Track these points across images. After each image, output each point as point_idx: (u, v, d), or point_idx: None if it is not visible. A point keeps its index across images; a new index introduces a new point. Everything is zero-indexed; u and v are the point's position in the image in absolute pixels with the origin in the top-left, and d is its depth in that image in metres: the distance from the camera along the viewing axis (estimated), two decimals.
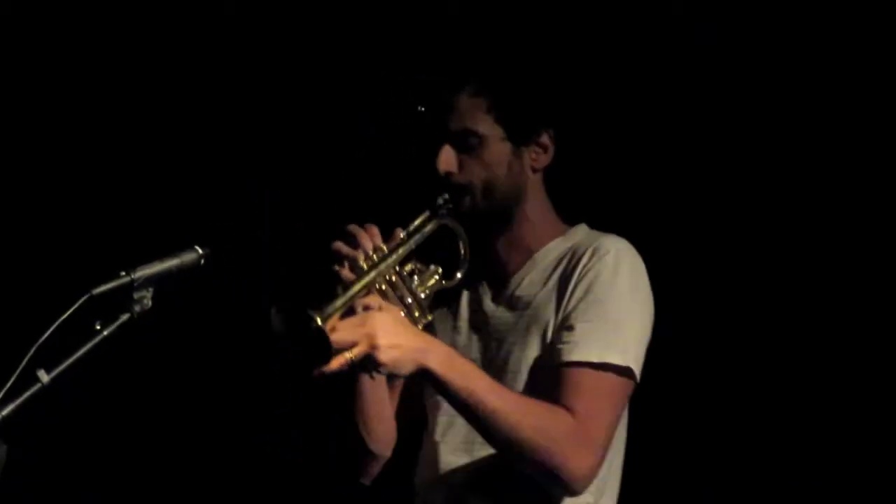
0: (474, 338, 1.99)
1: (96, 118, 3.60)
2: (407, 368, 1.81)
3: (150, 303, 1.70)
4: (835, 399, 2.96)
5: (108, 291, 1.69)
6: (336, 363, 1.76)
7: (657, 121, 3.11)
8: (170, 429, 3.50)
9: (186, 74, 3.53)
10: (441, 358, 1.82)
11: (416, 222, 1.96)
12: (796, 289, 3.04)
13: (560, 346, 1.89)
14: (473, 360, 1.93)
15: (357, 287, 1.84)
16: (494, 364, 1.91)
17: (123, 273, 1.70)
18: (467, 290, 2.08)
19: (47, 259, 3.58)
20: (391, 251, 1.90)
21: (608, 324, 1.88)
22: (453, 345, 1.92)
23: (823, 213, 3.03)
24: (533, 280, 2.00)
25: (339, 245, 1.89)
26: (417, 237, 1.94)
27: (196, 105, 3.52)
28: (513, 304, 1.99)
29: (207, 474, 3.48)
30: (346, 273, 1.85)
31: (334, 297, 1.81)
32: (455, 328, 2.03)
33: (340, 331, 1.76)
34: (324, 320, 1.73)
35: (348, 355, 1.77)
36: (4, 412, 1.61)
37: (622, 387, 1.87)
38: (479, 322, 2.02)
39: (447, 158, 1.97)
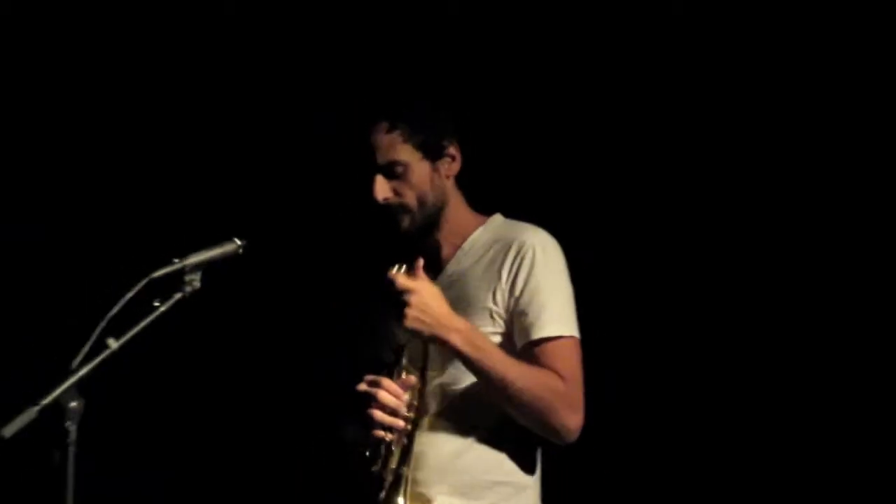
0: None
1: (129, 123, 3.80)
2: (425, 335, 2.22)
3: (198, 284, 2.08)
4: (831, 398, 3.08)
5: (165, 275, 2.05)
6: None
7: (558, 118, 3.30)
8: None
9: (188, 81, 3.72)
10: (462, 335, 2.21)
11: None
12: (746, 281, 3.18)
13: (523, 328, 2.29)
14: None
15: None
16: None
17: (176, 260, 2.07)
18: None
19: (107, 251, 3.79)
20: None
21: (553, 304, 2.28)
22: None
23: (773, 200, 3.18)
24: (464, 265, 2.38)
25: (381, 416, 2.23)
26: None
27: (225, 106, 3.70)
28: (450, 285, 2.36)
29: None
30: (398, 424, 2.23)
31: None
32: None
33: (403, 280, 2.19)
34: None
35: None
36: (82, 373, 1.97)
37: (580, 352, 2.30)
38: None
39: (382, 188, 2.35)
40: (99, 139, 3.86)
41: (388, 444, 2.21)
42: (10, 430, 1.91)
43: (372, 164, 2.36)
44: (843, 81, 3.08)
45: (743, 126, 3.19)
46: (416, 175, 2.36)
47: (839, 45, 3.09)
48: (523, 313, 2.28)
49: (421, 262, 2.27)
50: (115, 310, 2.00)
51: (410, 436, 2.23)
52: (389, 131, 2.35)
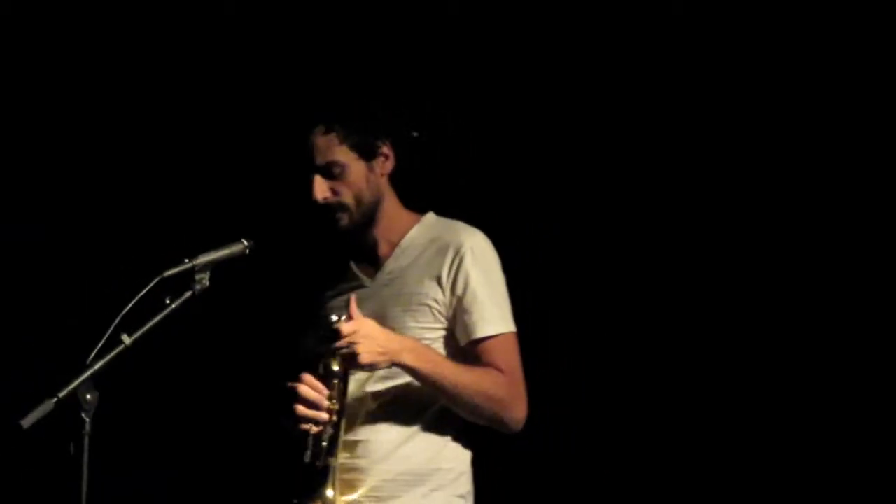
0: (363, 313, 2.38)
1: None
2: (383, 365, 2.35)
3: (207, 283, 2.18)
4: (830, 398, 3.06)
5: (176, 274, 2.15)
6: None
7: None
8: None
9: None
10: (414, 354, 2.34)
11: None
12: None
13: (466, 327, 2.42)
14: None
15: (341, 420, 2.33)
16: None
17: (187, 260, 2.18)
18: (347, 280, 2.57)
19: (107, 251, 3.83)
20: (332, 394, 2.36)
21: (493, 304, 2.42)
22: None
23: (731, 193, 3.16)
24: (403, 263, 2.49)
25: (303, 410, 2.33)
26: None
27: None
28: (389, 282, 2.48)
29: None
30: (320, 417, 2.33)
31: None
32: (345, 309, 2.44)
33: (345, 327, 2.29)
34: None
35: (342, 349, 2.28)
36: (97, 366, 2.07)
37: (517, 344, 2.45)
38: (364, 302, 2.45)
39: (321, 187, 2.45)
40: (98, 140, 3.90)
41: (316, 437, 2.31)
42: (28, 422, 2.00)
43: (310, 165, 2.46)
44: (843, 81, 3.10)
45: (738, 125, 3.21)
46: (352, 174, 2.46)
47: (839, 45, 3.10)
48: (465, 312, 2.40)
49: (354, 299, 2.36)
50: (128, 307, 2.10)
51: (336, 427, 2.32)
52: (326, 133, 2.46)
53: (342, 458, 2.38)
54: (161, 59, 3.79)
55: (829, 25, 3.10)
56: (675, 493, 3.20)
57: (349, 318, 2.32)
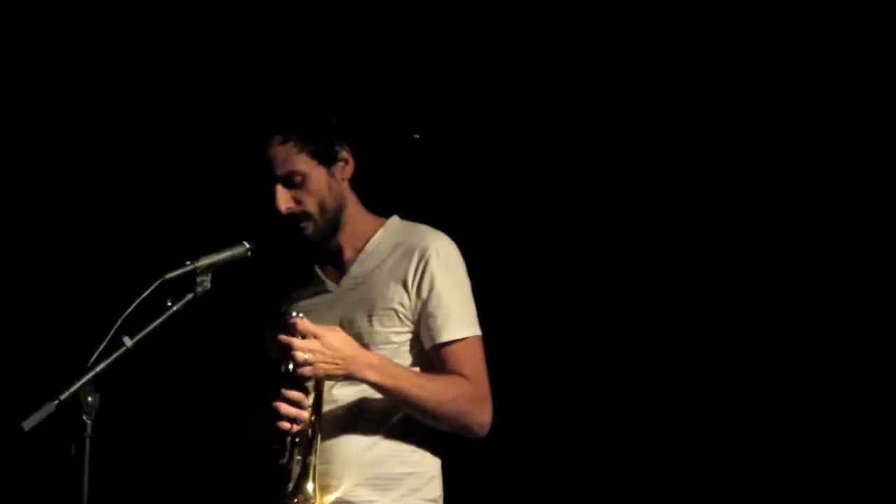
0: (329, 320, 2.43)
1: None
2: (341, 377, 2.35)
3: (209, 285, 2.18)
4: (829, 397, 3.06)
5: (177, 277, 2.16)
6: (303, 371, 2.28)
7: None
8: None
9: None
10: (376, 369, 2.34)
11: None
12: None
13: (430, 331, 2.42)
14: None
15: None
16: (349, 337, 2.38)
17: (188, 262, 2.18)
18: (312, 285, 2.56)
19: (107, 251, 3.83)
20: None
21: (458, 307, 2.42)
22: None
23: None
24: (368, 267, 2.49)
25: (285, 425, 2.32)
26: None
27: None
28: (355, 287, 2.48)
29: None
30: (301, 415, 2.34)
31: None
32: (311, 314, 2.45)
33: (299, 344, 2.28)
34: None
35: (304, 363, 2.28)
36: (98, 369, 2.07)
37: (482, 348, 2.45)
38: (330, 307, 2.49)
39: (283, 198, 2.44)
40: (98, 140, 3.89)
41: (294, 436, 2.32)
42: (29, 424, 2.00)
43: (271, 176, 2.45)
44: (844, 81, 3.10)
45: (738, 125, 3.21)
46: (314, 182, 2.46)
47: (839, 45, 3.10)
48: (430, 316, 2.41)
49: (301, 321, 2.33)
50: (129, 309, 2.10)
51: (314, 426, 2.33)
52: (283, 143, 2.45)
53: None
54: (162, 59, 3.79)
55: (829, 25, 3.11)
56: (658, 495, 3.21)
57: (303, 334, 2.30)
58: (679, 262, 3.26)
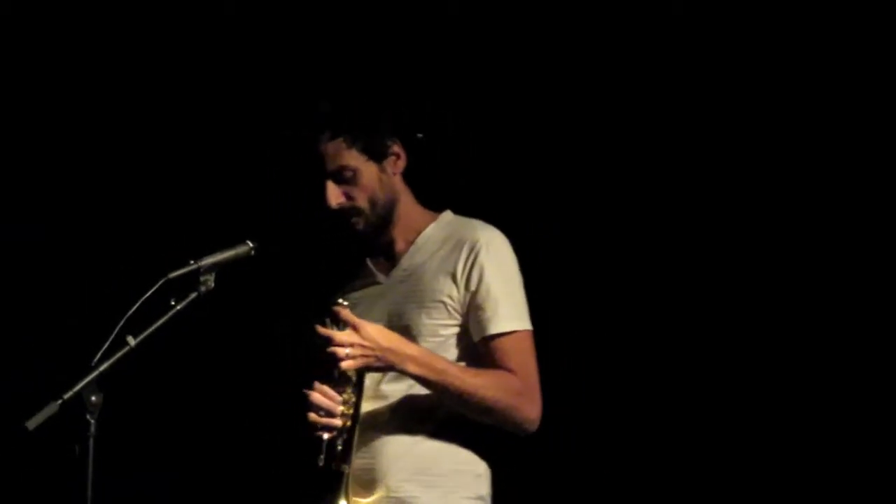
0: (378, 312, 2.43)
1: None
2: (381, 369, 2.33)
3: (213, 284, 2.17)
4: (830, 397, 3.07)
5: (181, 276, 2.15)
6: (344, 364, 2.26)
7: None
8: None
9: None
10: (417, 362, 2.32)
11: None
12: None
13: (479, 324, 2.39)
14: None
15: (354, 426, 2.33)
16: (398, 329, 2.38)
17: (192, 261, 2.17)
18: (363, 277, 2.57)
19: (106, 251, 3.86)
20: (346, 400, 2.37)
21: (507, 300, 2.39)
22: (362, 319, 2.38)
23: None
24: (418, 260, 2.48)
25: (315, 417, 2.32)
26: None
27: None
28: (404, 279, 2.47)
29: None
30: (333, 423, 2.33)
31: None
32: (360, 305, 2.48)
33: (339, 336, 2.27)
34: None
35: (345, 356, 2.26)
36: (102, 368, 2.06)
37: (532, 343, 2.42)
38: (379, 298, 2.49)
39: (334, 193, 2.45)
40: (99, 140, 3.90)
41: (330, 442, 2.30)
42: (33, 423, 1.99)
43: (322, 172, 2.46)
44: (844, 81, 3.11)
45: (738, 125, 3.22)
46: (364, 177, 2.46)
47: (839, 45, 3.11)
48: (479, 308, 2.38)
49: (346, 311, 2.32)
50: (133, 308, 2.10)
51: (350, 432, 2.32)
52: (333, 139, 2.45)
53: (359, 458, 2.37)
54: (161, 59, 3.80)
55: (830, 25, 3.11)
56: (687, 493, 3.21)
57: (346, 324, 2.29)
58: (679, 263, 3.26)
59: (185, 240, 3.49)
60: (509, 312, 2.38)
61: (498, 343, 2.37)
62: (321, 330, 2.26)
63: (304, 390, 2.30)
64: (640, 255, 3.28)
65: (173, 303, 2.14)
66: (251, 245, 2.25)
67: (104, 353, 2.07)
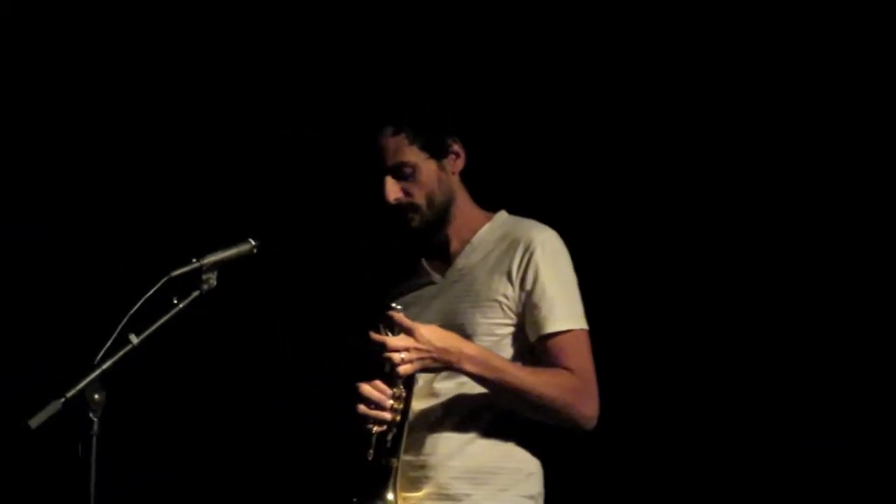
0: (433, 311, 2.45)
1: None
2: (439, 369, 2.34)
3: (215, 283, 2.17)
4: (830, 397, 3.06)
5: (183, 274, 2.15)
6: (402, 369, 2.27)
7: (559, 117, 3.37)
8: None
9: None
10: (474, 361, 2.32)
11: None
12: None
13: (535, 323, 2.39)
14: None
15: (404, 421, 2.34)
16: (453, 329, 2.38)
17: (194, 260, 2.17)
18: (418, 277, 2.57)
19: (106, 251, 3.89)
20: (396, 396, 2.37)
21: (563, 299, 2.40)
22: (417, 319, 2.39)
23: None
24: (473, 260, 2.48)
25: (364, 409, 2.32)
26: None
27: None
28: (459, 278, 2.48)
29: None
30: (382, 416, 2.33)
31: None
32: (415, 305, 2.49)
33: (393, 341, 2.28)
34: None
35: (399, 361, 2.27)
36: (105, 366, 2.06)
37: (589, 342, 2.42)
38: (434, 299, 2.50)
39: (393, 189, 2.46)
40: (99, 140, 3.92)
41: (380, 436, 2.31)
42: (36, 422, 1.99)
43: (381, 167, 2.46)
44: (843, 81, 3.12)
45: (738, 126, 3.24)
46: (423, 174, 2.47)
47: (839, 45, 3.12)
48: (535, 307, 2.38)
49: (401, 315, 2.32)
50: (136, 307, 2.10)
51: (400, 427, 2.32)
52: (395, 135, 2.46)
53: (409, 455, 2.37)
54: (160, 59, 3.83)
55: (830, 25, 3.12)
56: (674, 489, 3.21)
57: (401, 328, 2.29)
58: (679, 263, 3.26)
59: (184, 239, 3.54)
60: (565, 311, 2.38)
61: (554, 342, 2.37)
62: (375, 336, 2.27)
63: (356, 383, 2.30)
64: (633, 256, 3.29)
65: (175, 301, 2.14)
66: (253, 243, 2.25)
67: (107, 352, 2.07)
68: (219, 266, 2.18)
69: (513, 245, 2.44)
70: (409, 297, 2.51)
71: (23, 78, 3.89)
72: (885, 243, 3.06)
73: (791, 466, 3.09)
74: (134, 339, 2.09)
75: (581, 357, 2.37)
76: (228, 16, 3.71)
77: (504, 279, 2.41)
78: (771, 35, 3.17)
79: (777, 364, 3.13)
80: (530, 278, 2.39)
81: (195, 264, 2.16)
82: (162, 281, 2.13)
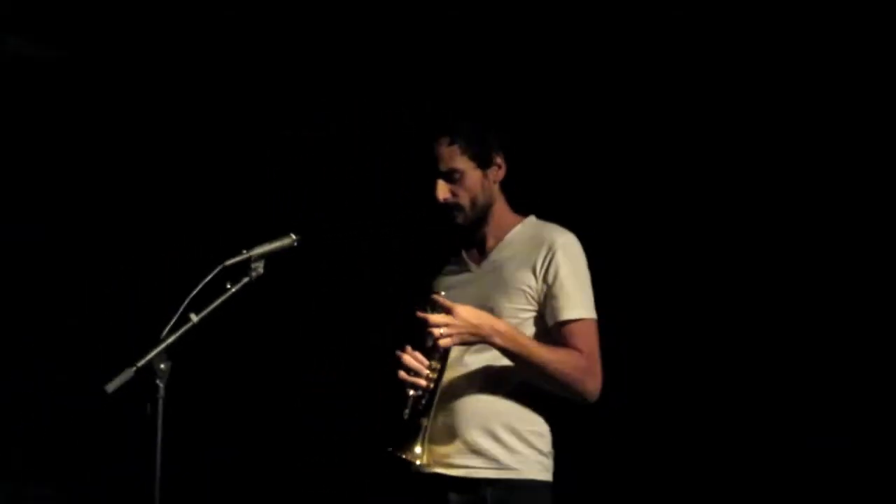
0: (469, 295, 2.85)
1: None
2: (475, 342, 2.74)
3: (262, 270, 2.53)
4: (831, 397, 3.13)
5: (235, 264, 2.50)
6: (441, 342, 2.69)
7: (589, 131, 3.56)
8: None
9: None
10: (503, 336, 2.75)
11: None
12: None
13: (553, 311, 2.81)
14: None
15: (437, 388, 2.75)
16: (484, 310, 2.79)
17: (244, 251, 2.53)
18: (458, 266, 3.02)
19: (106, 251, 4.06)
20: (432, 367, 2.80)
21: (577, 293, 2.83)
22: (455, 301, 2.76)
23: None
24: (506, 255, 2.92)
25: (404, 375, 2.74)
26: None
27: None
28: (492, 269, 2.91)
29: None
30: (418, 382, 2.74)
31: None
32: (454, 288, 2.91)
33: (435, 318, 2.70)
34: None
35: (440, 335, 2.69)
36: (169, 340, 2.40)
37: (597, 329, 2.86)
38: (470, 284, 2.93)
39: (443, 190, 2.90)
40: (98, 140, 4.07)
41: (416, 399, 2.73)
42: (112, 387, 2.32)
43: (434, 171, 2.90)
44: (843, 81, 3.19)
45: (738, 126, 3.32)
46: (470, 180, 2.90)
47: (839, 45, 3.19)
48: (554, 297, 2.82)
49: (443, 297, 2.73)
50: (194, 292, 2.44)
51: (433, 392, 2.74)
52: (450, 144, 2.89)
53: (441, 417, 2.78)
54: (160, 59, 3.96)
55: (830, 25, 3.20)
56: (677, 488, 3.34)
57: (442, 308, 2.69)
58: (681, 264, 3.42)
59: (184, 239, 3.77)
60: (579, 303, 2.81)
61: (569, 327, 2.79)
62: (421, 315, 2.68)
63: (397, 352, 2.72)
64: (634, 256, 3.49)
65: (229, 286, 2.49)
66: (294, 237, 2.61)
67: (171, 328, 2.41)
68: (265, 257, 2.54)
69: (539, 245, 2.87)
70: (449, 282, 2.96)
71: (23, 78, 4.01)
72: (885, 244, 3.16)
73: (791, 466, 3.22)
74: (194, 318, 2.44)
75: (590, 341, 2.80)
76: (228, 16, 3.85)
77: (529, 272, 2.83)
78: (782, 36, 3.26)
79: (778, 364, 3.27)
80: (552, 273, 2.82)
81: (245, 255, 2.52)
82: (217, 269, 2.47)
